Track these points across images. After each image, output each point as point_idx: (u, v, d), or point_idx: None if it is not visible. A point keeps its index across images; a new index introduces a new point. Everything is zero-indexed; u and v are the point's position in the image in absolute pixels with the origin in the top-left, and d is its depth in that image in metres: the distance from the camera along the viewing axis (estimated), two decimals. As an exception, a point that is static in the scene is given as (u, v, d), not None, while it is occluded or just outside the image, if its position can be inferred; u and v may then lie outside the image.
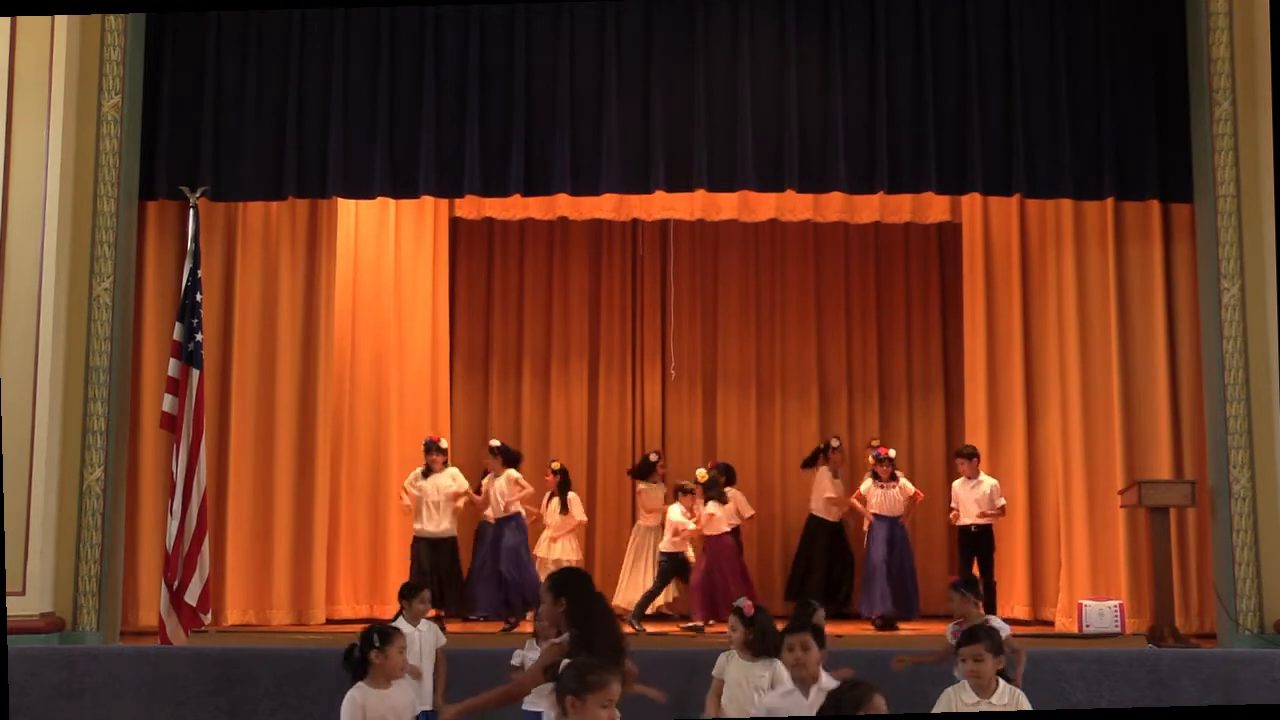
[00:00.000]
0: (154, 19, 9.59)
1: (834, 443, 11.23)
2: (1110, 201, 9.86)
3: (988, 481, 10.22)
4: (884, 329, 12.49)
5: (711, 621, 9.84)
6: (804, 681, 5.28)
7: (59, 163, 8.89)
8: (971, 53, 9.58)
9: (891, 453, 10.65)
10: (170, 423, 9.03)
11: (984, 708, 5.04)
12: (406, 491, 10.38)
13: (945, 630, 7.03)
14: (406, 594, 7.19)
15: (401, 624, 6.76)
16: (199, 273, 9.24)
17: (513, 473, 10.38)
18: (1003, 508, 10.16)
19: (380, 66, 9.62)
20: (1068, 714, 7.18)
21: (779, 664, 5.48)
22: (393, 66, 9.63)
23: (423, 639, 7.00)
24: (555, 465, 10.93)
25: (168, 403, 9.03)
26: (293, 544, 10.16)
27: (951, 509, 10.40)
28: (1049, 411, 10.48)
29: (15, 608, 8.22)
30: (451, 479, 10.32)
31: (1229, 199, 9.19)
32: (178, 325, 9.14)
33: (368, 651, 5.06)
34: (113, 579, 9.05)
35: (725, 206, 11.52)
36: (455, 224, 12.20)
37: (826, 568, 10.97)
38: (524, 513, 10.37)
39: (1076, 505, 10.03)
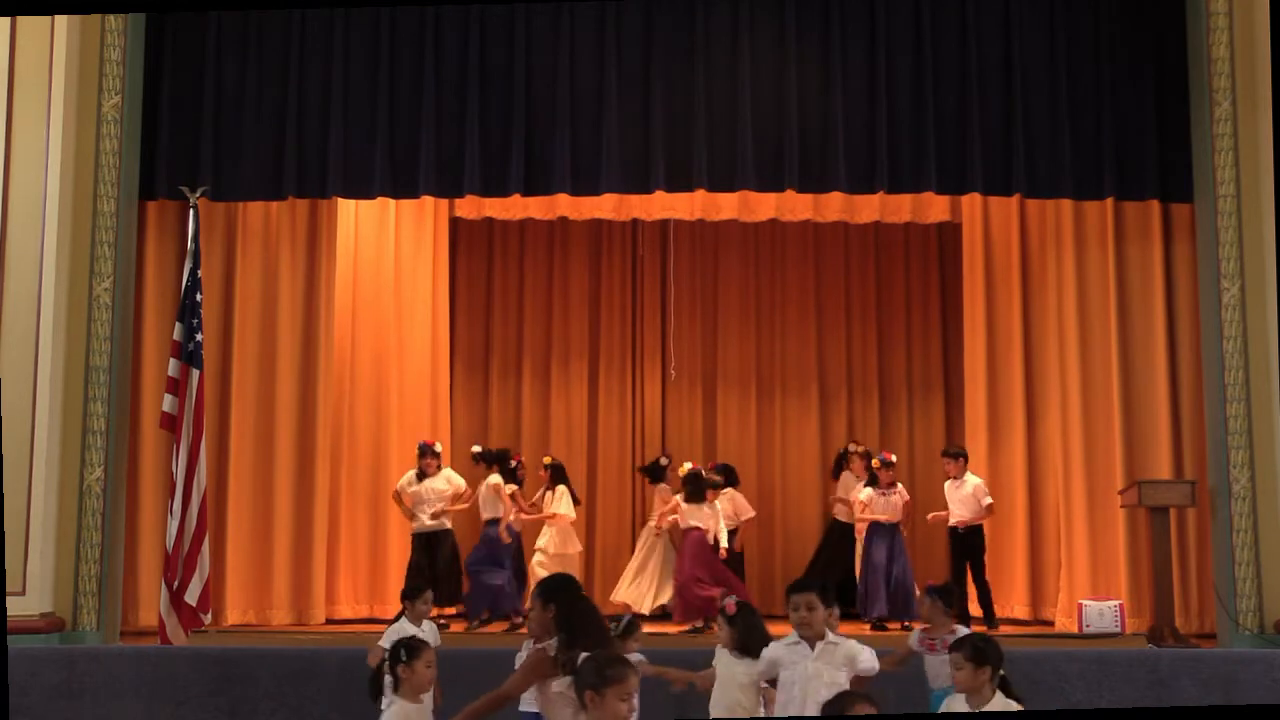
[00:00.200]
0: (154, 19, 9.59)
1: (851, 447, 11.22)
2: (1110, 201, 9.86)
3: (971, 481, 10.11)
4: (884, 329, 12.48)
5: (702, 623, 9.79)
6: (809, 641, 5.35)
7: (59, 163, 8.89)
8: (971, 53, 9.58)
9: (893, 458, 10.63)
10: (170, 423, 9.03)
11: None
12: (401, 494, 10.38)
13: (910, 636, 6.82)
14: (409, 595, 7.19)
15: (404, 624, 6.80)
16: (199, 273, 9.24)
17: (495, 478, 10.38)
18: (989, 506, 10.04)
19: (380, 66, 9.62)
20: (1068, 714, 7.17)
21: (769, 655, 5.48)
22: (393, 66, 9.63)
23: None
24: (547, 460, 10.95)
25: (168, 403, 9.04)
26: (293, 544, 10.16)
27: (933, 513, 10.36)
28: (1049, 411, 10.48)
29: (15, 608, 8.21)
30: (446, 481, 10.35)
31: (1229, 199, 9.18)
32: (178, 325, 9.15)
33: (395, 666, 5.01)
34: (113, 579, 9.05)
35: (725, 206, 11.51)
36: (455, 224, 12.19)
37: (846, 573, 10.72)
38: (511, 519, 10.33)
39: (1076, 505, 10.02)
